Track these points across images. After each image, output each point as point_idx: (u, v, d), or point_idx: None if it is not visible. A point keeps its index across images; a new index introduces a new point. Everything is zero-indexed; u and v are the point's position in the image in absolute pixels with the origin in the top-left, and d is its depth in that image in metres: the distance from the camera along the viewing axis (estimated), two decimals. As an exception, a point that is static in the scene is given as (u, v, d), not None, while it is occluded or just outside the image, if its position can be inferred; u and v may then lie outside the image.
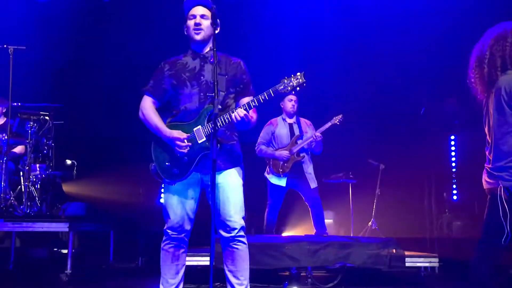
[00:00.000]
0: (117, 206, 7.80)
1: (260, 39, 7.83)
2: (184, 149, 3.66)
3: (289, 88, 3.56)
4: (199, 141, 3.65)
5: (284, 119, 7.15)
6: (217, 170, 3.71)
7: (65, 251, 6.96)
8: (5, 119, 6.97)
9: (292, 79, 3.57)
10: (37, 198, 6.69)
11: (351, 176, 8.02)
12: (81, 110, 7.96)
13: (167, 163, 3.76)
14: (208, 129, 3.64)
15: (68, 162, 7.31)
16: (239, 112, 3.55)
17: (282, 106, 7.13)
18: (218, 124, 3.61)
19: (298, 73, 3.59)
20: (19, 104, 6.85)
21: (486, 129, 3.60)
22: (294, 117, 7.19)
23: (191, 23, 3.80)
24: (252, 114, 3.70)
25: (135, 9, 8.24)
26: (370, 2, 8.28)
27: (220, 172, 3.76)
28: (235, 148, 3.87)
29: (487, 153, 3.57)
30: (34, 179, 6.78)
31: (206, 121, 3.66)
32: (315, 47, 8.35)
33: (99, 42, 8.18)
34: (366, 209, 7.87)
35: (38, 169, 6.87)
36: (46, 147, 7.00)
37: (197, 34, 3.79)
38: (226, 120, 3.61)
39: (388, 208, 7.92)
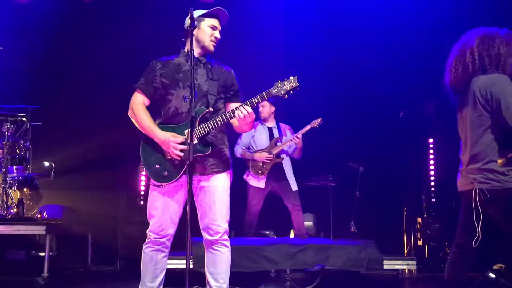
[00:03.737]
0: (95, 209, 7.76)
1: (240, 43, 7.86)
2: (179, 153, 3.64)
3: (282, 91, 3.62)
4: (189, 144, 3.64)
5: (262, 123, 7.22)
6: (207, 174, 3.78)
7: (42, 254, 6.93)
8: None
9: (286, 82, 3.63)
10: (13, 200, 6.65)
11: (330, 178, 8.08)
12: (58, 111, 7.89)
13: (157, 165, 3.76)
14: (200, 131, 3.66)
15: (46, 164, 7.23)
16: (246, 109, 3.58)
17: None
18: (211, 126, 3.66)
19: (292, 77, 3.64)
20: (-4, 105, 6.81)
21: (460, 132, 3.66)
22: (274, 122, 7.27)
23: (209, 32, 3.83)
24: None
25: (115, 11, 8.21)
26: (351, 7, 8.37)
27: (209, 176, 3.79)
28: (226, 152, 3.90)
29: (460, 155, 3.63)
30: (11, 181, 6.72)
31: (197, 123, 3.67)
32: (294, 51, 8.41)
33: (78, 43, 8.13)
34: (346, 212, 7.93)
35: (15, 171, 6.81)
36: (23, 149, 6.93)
37: (214, 46, 3.86)
38: (219, 123, 3.65)
39: (367, 211, 7.99)
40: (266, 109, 7.18)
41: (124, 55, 7.67)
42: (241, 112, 3.59)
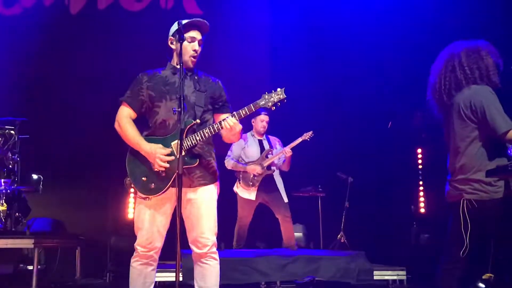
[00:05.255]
0: (84, 222, 7.71)
1: (227, 54, 7.87)
2: (165, 165, 3.63)
3: (270, 103, 3.64)
4: (178, 156, 3.60)
5: (253, 135, 7.22)
6: (194, 186, 3.76)
7: (30, 267, 6.85)
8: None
9: (273, 94, 3.65)
10: (1, 213, 6.59)
11: (320, 189, 8.08)
12: (47, 124, 7.86)
13: (143, 178, 3.72)
14: (187, 143, 3.63)
15: (34, 176, 7.19)
16: (230, 121, 3.58)
17: (253, 124, 7.21)
18: (198, 138, 3.64)
19: (279, 89, 3.66)
20: (-17, 118, 6.76)
21: (446, 143, 3.69)
22: (264, 135, 7.27)
23: (188, 46, 3.78)
24: None
25: (103, 23, 8.20)
26: (337, 17, 8.40)
27: (196, 188, 3.77)
28: (213, 164, 3.89)
29: (448, 166, 3.65)
30: (-1, 194, 6.67)
31: (185, 135, 3.64)
32: (282, 62, 8.42)
33: (66, 55, 8.10)
34: (335, 222, 7.92)
35: (3, 184, 6.74)
36: (11, 162, 6.88)
37: (193, 62, 3.84)
38: (206, 135, 3.64)
39: (356, 221, 7.99)
40: (267, 124, 7.19)
41: (113, 67, 7.65)
42: (228, 124, 3.59)
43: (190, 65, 3.84)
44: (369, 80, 8.21)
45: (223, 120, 3.63)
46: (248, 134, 7.25)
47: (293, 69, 8.27)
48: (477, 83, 3.53)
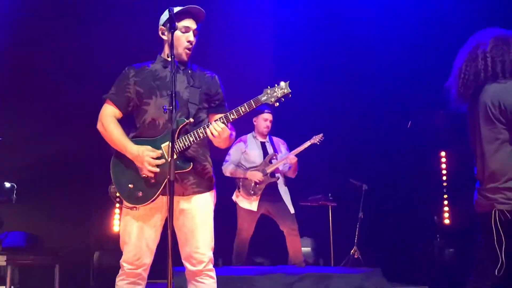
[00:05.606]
0: (63, 236, 7.70)
1: (227, 46, 7.86)
2: (155, 169, 3.62)
3: (273, 99, 3.62)
4: (169, 159, 3.55)
5: (255, 137, 7.18)
6: (187, 194, 3.75)
7: (3, 287, 6.85)
8: None
9: (276, 89, 3.63)
10: (-30, 227, 6.60)
11: (330, 198, 8.07)
12: (21, 125, 7.85)
13: (130, 185, 3.71)
14: (180, 145, 3.62)
15: (7, 184, 7.18)
16: (217, 126, 3.56)
17: (254, 124, 7.17)
18: (191, 139, 3.63)
19: (283, 83, 3.65)
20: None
21: (472, 145, 3.65)
22: (267, 136, 7.23)
23: (182, 36, 3.79)
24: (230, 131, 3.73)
25: (84, 9, 8.16)
26: (351, 13, 8.39)
27: (190, 196, 3.76)
28: (208, 170, 3.88)
29: (476, 172, 3.62)
30: (-33, 206, 6.68)
31: (177, 135, 3.62)
32: (292, 60, 8.41)
33: (41, 46, 8.07)
34: (348, 235, 7.91)
35: (-29, 193, 6.77)
36: (-20, 169, 6.91)
37: (187, 55, 3.84)
38: (201, 135, 3.62)
39: (372, 234, 7.97)
40: (271, 123, 7.14)
41: (96, 60, 7.63)
42: (214, 130, 3.57)
43: (185, 57, 3.84)
44: (386, 75, 8.21)
45: (206, 125, 3.62)
46: (249, 136, 7.22)
47: (300, 62, 8.27)
48: (498, 78, 3.50)
